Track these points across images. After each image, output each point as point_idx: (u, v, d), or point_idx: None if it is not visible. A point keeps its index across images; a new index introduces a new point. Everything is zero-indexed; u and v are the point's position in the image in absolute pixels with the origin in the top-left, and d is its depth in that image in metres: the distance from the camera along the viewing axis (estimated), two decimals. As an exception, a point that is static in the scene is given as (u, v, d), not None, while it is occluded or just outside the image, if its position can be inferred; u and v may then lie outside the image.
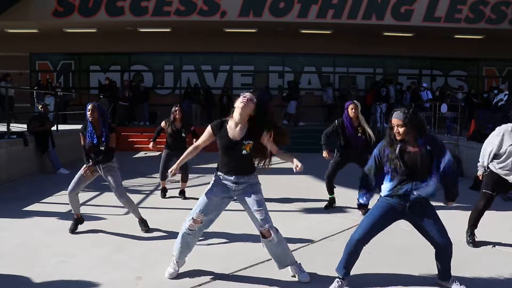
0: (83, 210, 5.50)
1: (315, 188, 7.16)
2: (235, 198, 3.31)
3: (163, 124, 6.25)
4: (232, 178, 3.25)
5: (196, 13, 13.28)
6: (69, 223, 4.62)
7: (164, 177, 6.17)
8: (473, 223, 4.30)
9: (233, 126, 3.21)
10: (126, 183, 7.36)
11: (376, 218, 3.08)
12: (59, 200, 5.98)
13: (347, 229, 4.75)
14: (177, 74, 16.31)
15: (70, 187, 4.42)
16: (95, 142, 4.32)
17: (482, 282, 3.35)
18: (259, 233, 3.28)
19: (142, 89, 14.65)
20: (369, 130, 5.49)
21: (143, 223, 4.61)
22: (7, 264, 3.59)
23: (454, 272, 3.44)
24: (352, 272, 3.19)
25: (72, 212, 4.58)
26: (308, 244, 4.21)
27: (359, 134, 5.46)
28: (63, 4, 13.04)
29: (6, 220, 4.95)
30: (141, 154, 11.66)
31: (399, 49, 15.54)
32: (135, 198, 6.16)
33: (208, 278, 3.37)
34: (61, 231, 4.57)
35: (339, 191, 6.84)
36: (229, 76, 16.28)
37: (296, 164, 3.20)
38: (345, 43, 15.13)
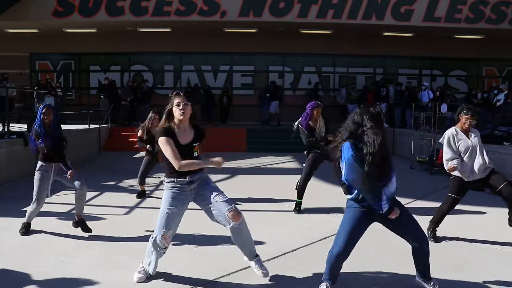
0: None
1: (315, 188, 7.16)
2: (194, 198, 3.33)
3: (140, 133, 6.20)
4: (186, 179, 3.25)
5: (196, 13, 13.28)
6: (69, 223, 4.62)
7: (143, 182, 6.24)
8: (437, 221, 4.40)
9: (181, 131, 3.24)
10: (126, 183, 7.40)
11: (351, 230, 2.98)
12: (59, 200, 5.97)
13: (347, 229, 4.75)
14: (177, 74, 16.32)
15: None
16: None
17: (482, 282, 3.35)
18: (224, 228, 3.25)
19: (146, 89, 14.68)
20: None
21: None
22: (7, 264, 3.59)
23: (454, 272, 3.45)
24: (351, 270, 3.19)
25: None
26: (308, 244, 4.21)
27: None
28: (63, 4, 13.05)
29: (6, 220, 4.95)
30: (141, 154, 11.65)
31: (399, 49, 15.54)
32: (135, 198, 6.17)
33: (208, 278, 3.37)
34: (61, 231, 4.57)
35: (339, 191, 6.84)
36: (229, 76, 16.28)
37: (213, 160, 3.25)
38: (345, 43, 15.14)
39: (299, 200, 5.58)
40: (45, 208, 5.53)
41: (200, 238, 4.39)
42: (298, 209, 5.55)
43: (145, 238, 4.36)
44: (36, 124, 4.47)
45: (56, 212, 5.37)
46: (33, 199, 4.41)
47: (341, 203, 5.87)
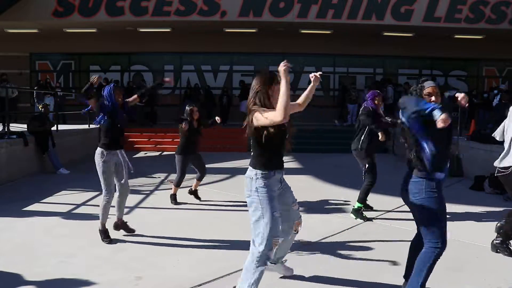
0: (83, 210, 5.53)
1: (315, 188, 7.17)
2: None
3: (186, 127, 5.75)
4: (280, 175, 2.87)
5: (196, 13, 13.28)
6: (69, 223, 4.63)
7: (180, 183, 5.94)
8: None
9: None
10: (126, 183, 7.36)
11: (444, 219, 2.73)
12: (59, 200, 5.98)
13: (347, 229, 4.75)
14: (177, 74, 16.32)
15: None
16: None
17: (482, 282, 3.35)
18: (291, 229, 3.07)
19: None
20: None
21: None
22: (7, 264, 3.59)
23: (454, 272, 3.44)
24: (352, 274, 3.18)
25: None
26: (310, 244, 4.21)
27: None
28: (63, 4, 13.05)
29: (6, 220, 4.95)
30: (141, 154, 11.67)
31: (399, 49, 15.55)
32: (135, 198, 6.17)
33: (208, 278, 3.37)
34: (61, 231, 4.57)
35: (339, 191, 6.85)
36: (229, 76, 16.29)
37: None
38: (345, 43, 15.14)
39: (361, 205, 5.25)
40: (45, 208, 5.56)
41: (198, 240, 4.39)
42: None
43: (145, 238, 4.37)
44: (109, 103, 4.10)
45: (56, 212, 5.37)
46: (104, 192, 4.13)
47: (341, 203, 5.90)
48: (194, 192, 6.14)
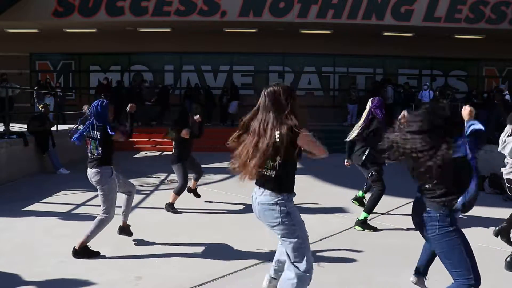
0: (83, 210, 5.53)
1: (315, 188, 7.17)
2: None
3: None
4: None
5: (196, 13, 13.28)
6: (69, 223, 4.62)
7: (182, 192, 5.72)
8: None
9: None
10: (126, 183, 7.37)
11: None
12: (59, 200, 5.98)
13: (347, 229, 4.76)
14: (177, 74, 16.31)
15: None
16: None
17: (483, 282, 3.35)
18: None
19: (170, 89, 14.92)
20: None
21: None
22: (7, 264, 3.59)
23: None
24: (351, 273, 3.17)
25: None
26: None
27: None
28: (63, 4, 13.04)
29: (6, 220, 4.95)
30: (141, 154, 11.67)
31: (399, 49, 15.54)
32: (135, 198, 6.15)
33: (207, 278, 3.37)
34: (61, 231, 4.57)
35: (339, 191, 6.85)
36: (229, 76, 16.28)
37: None
38: (345, 43, 15.13)
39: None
40: (45, 208, 5.56)
41: (198, 240, 4.39)
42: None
43: (145, 238, 4.37)
44: (97, 121, 3.89)
45: (56, 212, 5.37)
46: (105, 212, 3.90)
47: (341, 203, 5.90)
48: (193, 190, 6.10)
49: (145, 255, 3.91)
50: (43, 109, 8.81)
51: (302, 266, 2.51)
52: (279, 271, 2.83)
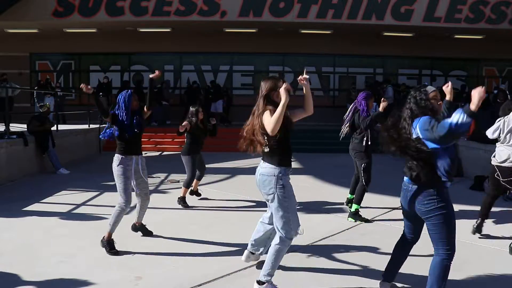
0: (83, 210, 5.53)
1: (315, 188, 7.17)
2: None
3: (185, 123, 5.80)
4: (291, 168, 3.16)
5: (196, 13, 13.28)
6: (69, 223, 4.62)
7: (191, 184, 5.94)
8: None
9: None
10: (126, 183, 7.37)
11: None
12: (59, 200, 5.98)
13: (347, 229, 4.76)
14: (177, 74, 16.32)
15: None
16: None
17: (482, 282, 3.35)
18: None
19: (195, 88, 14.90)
20: None
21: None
22: (7, 264, 3.59)
23: (454, 272, 3.44)
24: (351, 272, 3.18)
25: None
26: (308, 244, 4.21)
27: None
28: (63, 4, 13.05)
29: (6, 220, 4.95)
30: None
31: (399, 49, 15.54)
32: (136, 198, 6.17)
33: (208, 278, 3.37)
34: (61, 231, 4.57)
35: (339, 191, 6.85)
36: (229, 76, 16.28)
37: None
38: (345, 43, 15.14)
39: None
40: (45, 208, 5.56)
41: (198, 240, 4.39)
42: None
43: (145, 238, 4.37)
44: (122, 111, 4.01)
45: (56, 212, 5.37)
46: (123, 199, 4.02)
47: (341, 203, 5.90)
48: (195, 192, 6.18)
49: (145, 255, 3.91)
50: (45, 109, 8.79)
51: (285, 232, 2.99)
52: (255, 245, 3.51)
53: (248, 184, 7.36)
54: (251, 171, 9.43)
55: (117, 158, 4.06)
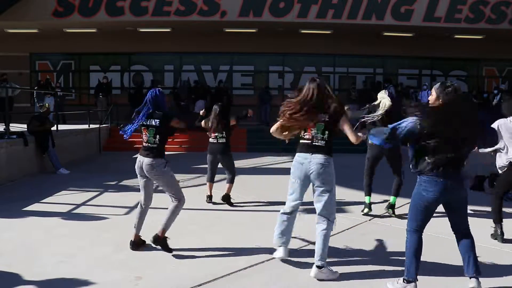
0: (83, 210, 5.53)
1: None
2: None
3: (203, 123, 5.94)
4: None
5: (196, 13, 13.29)
6: (69, 223, 4.62)
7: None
8: None
9: None
10: (126, 183, 7.39)
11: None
12: (59, 200, 5.98)
13: (347, 229, 4.75)
14: (177, 74, 16.33)
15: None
16: None
17: (482, 282, 3.35)
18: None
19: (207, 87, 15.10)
20: None
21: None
22: (7, 264, 3.59)
23: (454, 271, 3.44)
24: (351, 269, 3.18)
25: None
26: (308, 244, 4.21)
27: None
28: (63, 4, 13.05)
29: (6, 220, 4.95)
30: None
31: (399, 49, 15.55)
32: (136, 198, 6.16)
33: (208, 278, 3.37)
34: (61, 231, 4.57)
35: (342, 191, 6.84)
36: (229, 76, 16.29)
37: None
38: (345, 43, 15.15)
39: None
40: (45, 208, 5.56)
41: (198, 240, 4.38)
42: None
43: (144, 238, 4.36)
44: (165, 109, 3.99)
45: (56, 212, 5.36)
46: (176, 197, 4.06)
47: (343, 203, 5.88)
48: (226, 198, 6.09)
49: (145, 255, 3.90)
50: (45, 109, 8.79)
51: (334, 216, 3.44)
52: (282, 237, 3.64)
53: (248, 184, 7.36)
54: (251, 171, 9.46)
55: (163, 161, 3.99)
